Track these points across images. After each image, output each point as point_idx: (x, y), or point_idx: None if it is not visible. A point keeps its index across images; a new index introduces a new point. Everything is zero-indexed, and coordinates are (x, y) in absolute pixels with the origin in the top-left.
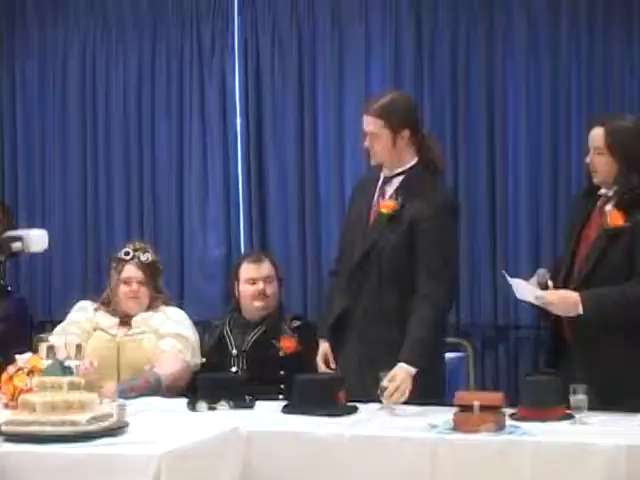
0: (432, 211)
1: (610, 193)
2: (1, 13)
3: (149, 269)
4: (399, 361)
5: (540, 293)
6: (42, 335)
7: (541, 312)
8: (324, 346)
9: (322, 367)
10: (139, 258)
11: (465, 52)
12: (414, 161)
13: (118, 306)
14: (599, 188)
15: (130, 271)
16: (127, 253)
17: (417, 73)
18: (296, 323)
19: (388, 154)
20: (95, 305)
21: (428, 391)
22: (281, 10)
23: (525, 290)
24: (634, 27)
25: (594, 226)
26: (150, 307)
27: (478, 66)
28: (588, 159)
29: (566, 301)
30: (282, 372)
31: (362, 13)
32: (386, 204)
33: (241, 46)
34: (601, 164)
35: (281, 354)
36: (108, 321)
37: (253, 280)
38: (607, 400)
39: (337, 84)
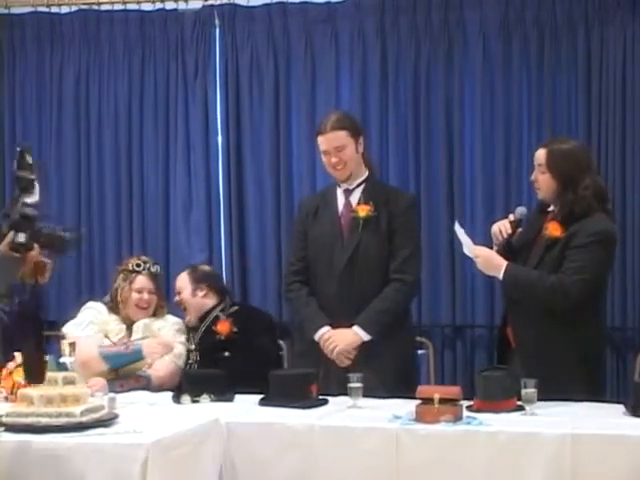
0: (403, 207)
1: (557, 210)
2: (3, 36)
3: (157, 280)
4: (354, 324)
5: (474, 247)
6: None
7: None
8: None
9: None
10: (149, 270)
11: (426, 73)
12: (367, 171)
13: (125, 312)
14: (549, 205)
15: (142, 282)
16: (139, 265)
17: (382, 93)
18: (233, 308)
19: (354, 162)
20: (106, 308)
21: (403, 384)
22: (259, 37)
23: (468, 242)
24: (578, 55)
25: (541, 238)
26: (154, 314)
27: (438, 86)
28: (533, 176)
29: (491, 262)
30: (226, 353)
31: (332, 39)
32: (362, 208)
33: (222, 70)
34: (543, 181)
35: (221, 338)
36: (117, 327)
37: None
38: (542, 394)
39: (310, 104)
